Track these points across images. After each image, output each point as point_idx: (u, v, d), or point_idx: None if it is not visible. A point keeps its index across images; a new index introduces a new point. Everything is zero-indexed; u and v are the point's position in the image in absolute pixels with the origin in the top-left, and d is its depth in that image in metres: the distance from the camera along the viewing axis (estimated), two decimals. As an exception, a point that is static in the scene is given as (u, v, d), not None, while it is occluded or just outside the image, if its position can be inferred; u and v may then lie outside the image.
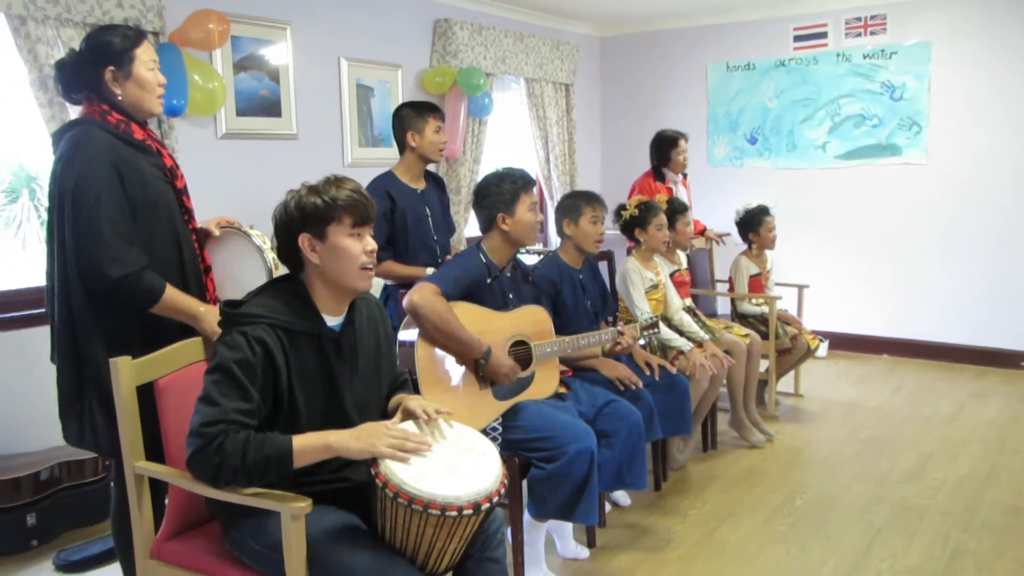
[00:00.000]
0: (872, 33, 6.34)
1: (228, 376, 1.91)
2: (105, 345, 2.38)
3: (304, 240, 2.04)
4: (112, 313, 2.39)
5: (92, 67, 2.42)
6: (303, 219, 2.04)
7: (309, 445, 1.92)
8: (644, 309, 3.89)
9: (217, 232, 2.69)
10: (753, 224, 5.12)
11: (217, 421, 1.86)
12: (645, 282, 4.00)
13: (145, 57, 2.46)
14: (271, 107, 4.71)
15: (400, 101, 5.39)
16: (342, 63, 5.14)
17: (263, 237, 2.67)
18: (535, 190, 3.13)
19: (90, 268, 2.31)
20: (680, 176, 5.48)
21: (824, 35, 6.53)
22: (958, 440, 4.61)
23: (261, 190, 4.55)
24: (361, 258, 2.07)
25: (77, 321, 2.39)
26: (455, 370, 2.90)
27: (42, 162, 4.20)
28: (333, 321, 2.13)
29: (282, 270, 2.56)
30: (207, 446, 1.85)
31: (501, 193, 3.04)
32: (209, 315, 2.40)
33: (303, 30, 4.85)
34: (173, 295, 2.40)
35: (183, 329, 2.44)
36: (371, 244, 2.09)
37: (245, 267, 2.68)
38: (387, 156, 5.36)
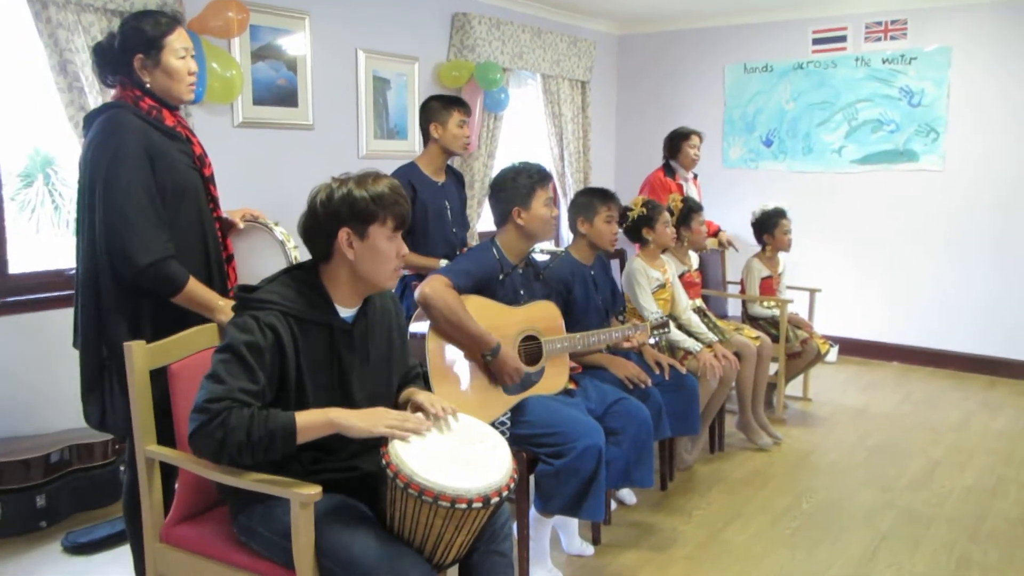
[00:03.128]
0: (892, 38, 6.31)
1: (236, 356, 1.93)
2: (128, 329, 2.39)
3: (344, 234, 2.04)
4: (136, 299, 2.41)
5: (123, 53, 2.43)
6: (350, 213, 2.03)
7: (312, 421, 1.93)
8: (652, 310, 3.88)
9: (242, 225, 2.70)
10: (768, 226, 5.10)
11: (222, 398, 1.87)
12: (651, 282, 3.98)
13: (177, 45, 2.45)
14: (288, 97, 4.72)
15: (417, 94, 5.41)
16: (359, 55, 5.14)
17: (287, 235, 2.68)
18: (551, 185, 3.13)
19: (118, 253, 2.33)
20: (691, 175, 5.47)
21: (843, 39, 6.50)
22: (966, 449, 4.59)
23: (276, 180, 4.57)
24: (394, 261, 2.09)
25: (103, 305, 2.41)
26: (465, 363, 2.90)
27: (59, 147, 4.22)
28: (346, 313, 2.13)
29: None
30: (210, 421, 1.86)
31: (517, 187, 3.03)
32: (227, 308, 2.40)
33: (321, 20, 4.86)
34: (194, 287, 2.41)
35: (202, 318, 2.45)
36: (404, 248, 2.12)
37: (266, 261, 2.68)
38: (402, 149, 5.36)
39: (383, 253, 2.06)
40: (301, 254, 2.62)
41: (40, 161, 4.52)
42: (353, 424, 1.94)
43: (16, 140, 4.03)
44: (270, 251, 2.71)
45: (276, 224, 2.73)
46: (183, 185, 2.46)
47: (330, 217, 2.04)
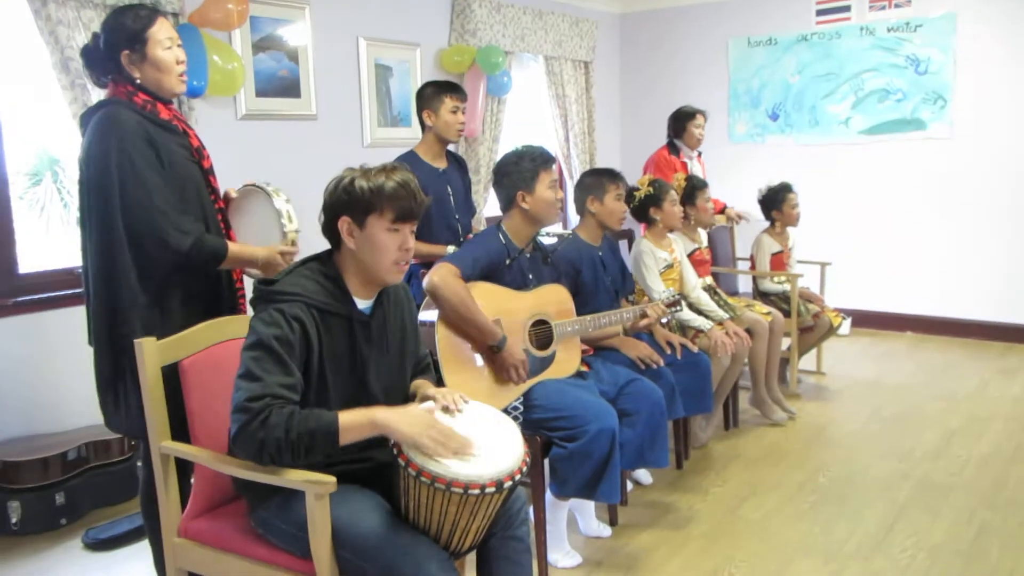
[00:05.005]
0: (896, 6, 6.23)
1: (268, 352, 1.91)
2: (142, 325, 2.40)
3: (343, 223, 2.04)
4: (151, 293, 2.42)
5: (109, 52, 2.42)
6: (348, 202, 2.03)
7: (355, 421, 1.91)
8: (659, 290, 3.86)
9: (235, 193, 2.72)
10: (776, 202, 5.07)
11: (262, 396, 1.85)
12: (659, 263, 3.97)
13: (160, 36, 2.44)
14: (290, 88, 4.71)
15: (419, 80, 5.38)
16: (361, 43, 5.12)
17: (279, 191, 2.67)
18: (555, 168, 3.11)
19: (157, 244, 2.36)
20: (695, 153, 5.43)
21: (847, 8, 6.43)
22: (983, 417, 4.57)
23: (281, 171, 4.55)
24: (394, 254, 2.05)
25: (118, 301, 2.41)
26: (476, 351, 2.90)
27: (65, 145, 4.22)
28: (363, 304, 2.13)
29: (294, 227, 2.62)
30: (252, 421, 1.84)
31: (520, 171, 3.02)
32: (272, 253, 2.53)
33: (321, 10, 4.83)
34: (235, 249, 2.50)
35: (217, 312, 2.46)
36: (409, 242, 2.08)
37: (263, 224, 2.67)
38: (406, 136, 5.34)
39: (380, 245, 2.03)
40: (294, 212, 2.66)
41: (47, 160, 4.53)
42: (400, 429, 1.90)
43: (23, 139, 4.04)
44: (264, 214, 2.68)
45: (267, 184, 2.71)
46: (183, 178, 2.46)
47: (333, 205, 2.06)
